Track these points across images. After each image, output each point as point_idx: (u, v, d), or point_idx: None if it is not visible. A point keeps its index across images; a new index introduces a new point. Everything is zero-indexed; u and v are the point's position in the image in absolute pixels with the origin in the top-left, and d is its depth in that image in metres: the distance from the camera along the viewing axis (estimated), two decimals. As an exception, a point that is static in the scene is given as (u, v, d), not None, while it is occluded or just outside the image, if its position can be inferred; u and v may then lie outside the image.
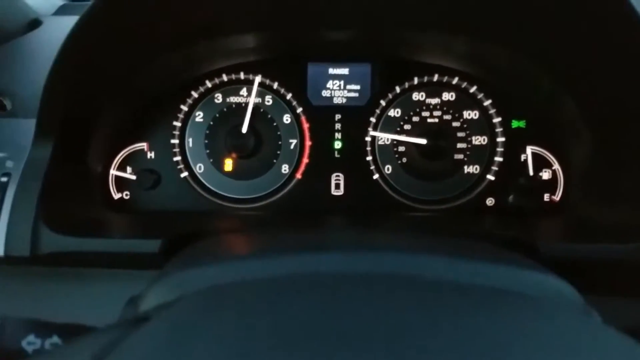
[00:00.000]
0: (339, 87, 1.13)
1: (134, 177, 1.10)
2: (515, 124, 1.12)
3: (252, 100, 1.11)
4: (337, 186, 1.14)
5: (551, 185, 1.11)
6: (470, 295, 0.47)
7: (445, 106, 1.13)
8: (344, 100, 1.13)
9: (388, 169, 1.14)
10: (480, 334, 0.37)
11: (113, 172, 1.11)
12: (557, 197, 1.11)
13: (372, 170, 1.14)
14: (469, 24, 0.93)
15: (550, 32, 0.86)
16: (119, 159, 1.11)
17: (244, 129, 1.10)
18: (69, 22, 0.79)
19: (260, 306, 0.41)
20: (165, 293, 0.52)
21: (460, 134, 1.13)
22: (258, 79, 1.11)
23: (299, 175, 1.14)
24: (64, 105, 0.88)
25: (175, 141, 1.12)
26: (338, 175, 1.14)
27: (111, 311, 0.60)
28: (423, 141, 1.10)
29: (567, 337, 0.39)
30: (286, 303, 0.42)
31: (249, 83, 1.13)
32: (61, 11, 1.43)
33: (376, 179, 1.14)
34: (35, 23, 1.29)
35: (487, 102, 1.12)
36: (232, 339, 0.35)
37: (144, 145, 1.12)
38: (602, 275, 0.86)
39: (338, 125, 1.13)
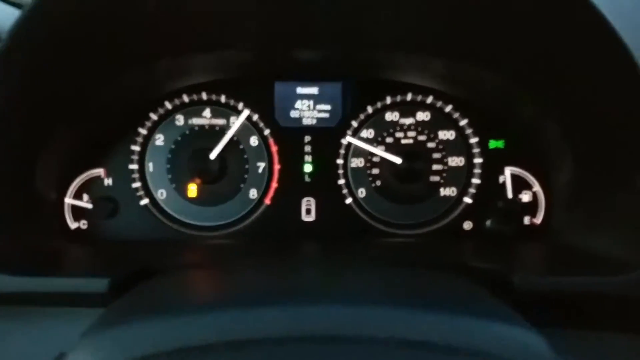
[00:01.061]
0: (308, 107, 1.08)
1: (90, 206, 1.03)
2: (493, 144, 1.07)
3: (233, 131, 1.05)
4: (308, 211, 1.08)
5: (532, 208, 1.06)
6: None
7: (419, 126, 1.08)
8: (314, 121, 1.08)
9: (361, 192, 1.09)
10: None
11: (68, 200, 1.04)
12: (537, 221, 1.06)
13: (344, 194, 1.08)
14: (444, 44, 0.89)
15: (531, 52, 0.82)
16: (74, 187, 1.04)
17: (213, 156, 1.04)
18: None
19: None
20: (90, 356, 0.47)
21: (436, 155, 1.08)
22: (246, 112, 1.06)
23: (267, 201, 1.08)
24: (5, 128, 0.81)
25: (134, 166, 1.05)
26: (309, 200, 1.08)
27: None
28: (398, 160, 1.05)
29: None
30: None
31: (211, 104, 1.07)
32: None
33: (349, 204, 1.08)
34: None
35: (463, 122, 1.07)
36: None
37: (100, 171, 1.05)
38: (582, 309, 0.81)
39: (308, 148, 1.08)
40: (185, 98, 1.06)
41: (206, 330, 0.45)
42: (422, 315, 0.48)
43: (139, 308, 0.56)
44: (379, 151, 1.06)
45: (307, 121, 1.08)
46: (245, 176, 1.08)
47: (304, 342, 0.43)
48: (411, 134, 1.08)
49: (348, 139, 1.07)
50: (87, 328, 0.53)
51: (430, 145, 1.08)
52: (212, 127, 1.07)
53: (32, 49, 0.75)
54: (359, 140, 1.07)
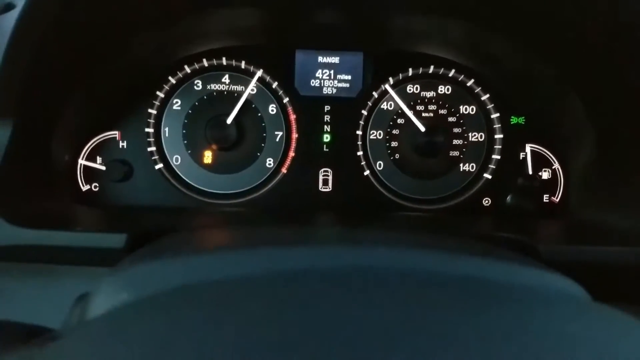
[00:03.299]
0: (328, 76, 1.06)
1: (103, 168, 1.01)
2: (514, 120, 1.06)
3: (247, 92, 1.03)
4: (325, 182, 1.07)
5: (551, 185, 1.05)
6: (469, 290, 0.42)
7: (440, 100, 1.06)
8: (334, 91, 1.06)
9: (380, 165, 1.07)
10: (483, 329, 0.32)
11: (81, 161, 1.02)
12: (556, 198, 1.05)
13: (362, 166, 1.06)
14: (470, 8, 0.87)
15: (559, 23, 0.81)
16: (88, 148, 1.02)
17: (229, 120, 1.02)
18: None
19: (200, 323, 0.33)
20: (114, 292, 0.45)
21: (456, 130, 1.06)
22: (259, 73, 1.04)
23: (284, 170, 1.06)
24: (22, 86, 0.79)
25: (150, 130, 1.03)
26: (326, 171, 1.06)
27: (63, 310, 0.53)
28: (423, 128, 1.03)
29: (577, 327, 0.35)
30: (238, 312, 0.34)
31: (231, 69, 1.05)
32: (35, -6, 1.35)
33: (367, 176, 1.07)
34: (8, 6, 1.21)
35: (484, 97, 1.06)
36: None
37: (115, 134, 1.03)
38: (606, 280, 0.80)
39: (327, 118, 1.06)
40: (205, 63, 1.04)
41: (232, 265, 0.44)
42: (465, 257, 0.46)
43: (162, 251, 0.54)
44: (408, 112, 1.04)
45: (327, 90, 1.06)
46: (262, 144, 1.06)
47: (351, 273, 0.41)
48: (432, 107, 1.06)
49: (386, 87, 1.05)
50: (111, 269, 0.51)
51: (451, 119, 1.06)
52: (230, 93, 1.05)
53: (50, 10, 0.73)
54: (396, 93, 1.05)
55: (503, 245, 0.75)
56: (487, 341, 0.30)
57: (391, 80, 1.06)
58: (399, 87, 1.06)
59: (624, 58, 0.78)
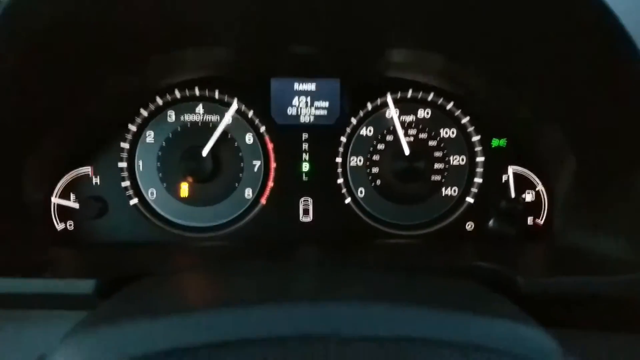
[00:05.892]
0: (305, 104, 1.04)
1: (77, 206, 0.99)
2: (495, 142, 1.04)
3: (224, 123, 1.01)
4: (306, 212, 1.04)
5: (535, 208, 1.04)
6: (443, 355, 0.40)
7: (420, 124, 1.05)
8: (312, 119, 1.04)
9: (361, 192, 1.05)
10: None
11: (55, 200, 0.99)
12: (541, 221, 1.04)
13: (343, 194, 1.04)
14: (444, 43, 0.86)
15: (532, 57, 0.80)
16: (61, 186, 0.99)
17: (205, 152, 1.00)
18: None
19: None
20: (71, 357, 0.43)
21: (437, 154, 1.05)
22: (234, 105, 1.01)
23: (263, 201, 1.04)
24: None
25: (124, 164, 1.01)
26: (306, 200, 1.04)
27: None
28: (407, 150, 1.01)
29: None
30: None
31: (205, 99, 1.03)
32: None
33: (348, 203, 1.05)
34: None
35: (464, 120, 1.04)
36: None
37: (88, 169, 1.00)
38: (586, 309, 0.78)
39: (305, 146, 1.04)
40: (177, 94, 1.02)
41: (194, 331, 0.42)
42: (427, 312, 0.44)
43: (124, 309, 0.52)
44: (400, 132, 1.02)
45: (304, 119, 1.04)
46: (240, 175, 1.04)
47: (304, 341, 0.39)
48: (412, 131, 1.05)
49: (387, 99, 1.03)
50: (69, 329, 0.49)
51: (432, 143, 1.05)
52: (205, 124, 1.03)
53: (17, 50, 0.72)
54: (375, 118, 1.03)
55: (481, 277, 0.74)
56: None
57: (369, 106, 1.04)
58: (378, 112, 1.05)
59: (600, 83, 0.77)
